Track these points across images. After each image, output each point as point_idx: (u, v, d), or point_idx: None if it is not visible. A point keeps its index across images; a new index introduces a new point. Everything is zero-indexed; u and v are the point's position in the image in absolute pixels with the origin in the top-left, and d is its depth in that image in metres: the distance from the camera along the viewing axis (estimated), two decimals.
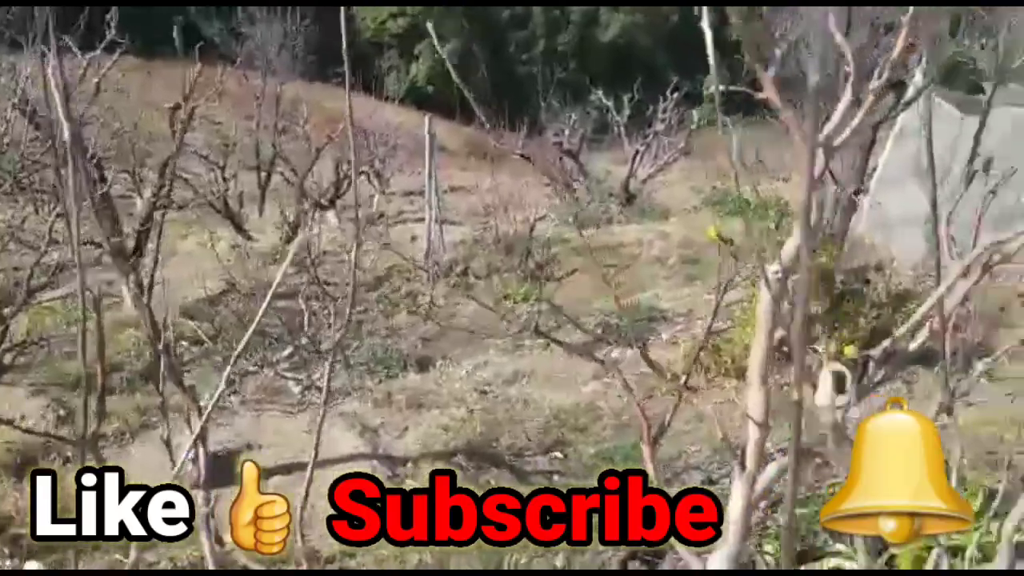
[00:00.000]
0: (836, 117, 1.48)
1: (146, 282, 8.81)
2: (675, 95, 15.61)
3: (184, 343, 7.95)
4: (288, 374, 6.22)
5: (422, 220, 12.50)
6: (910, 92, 10.57)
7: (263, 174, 15.33)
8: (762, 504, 5.06)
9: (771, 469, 1.60)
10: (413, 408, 6.86)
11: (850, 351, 5.70)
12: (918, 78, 10.88)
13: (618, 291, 10.77)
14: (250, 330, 1.85)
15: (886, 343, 1.56)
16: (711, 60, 1.59)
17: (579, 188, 16.09)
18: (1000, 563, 1.96)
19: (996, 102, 11.70)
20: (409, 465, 5.95)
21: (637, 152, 16.06)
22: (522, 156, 15.84)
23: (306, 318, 5.39)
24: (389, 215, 17.32)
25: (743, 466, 1.50)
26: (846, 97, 1.49)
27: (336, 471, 5.82)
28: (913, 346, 1.64)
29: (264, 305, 1.83)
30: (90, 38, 8.90)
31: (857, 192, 9.47)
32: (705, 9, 1.46)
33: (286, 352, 5.75)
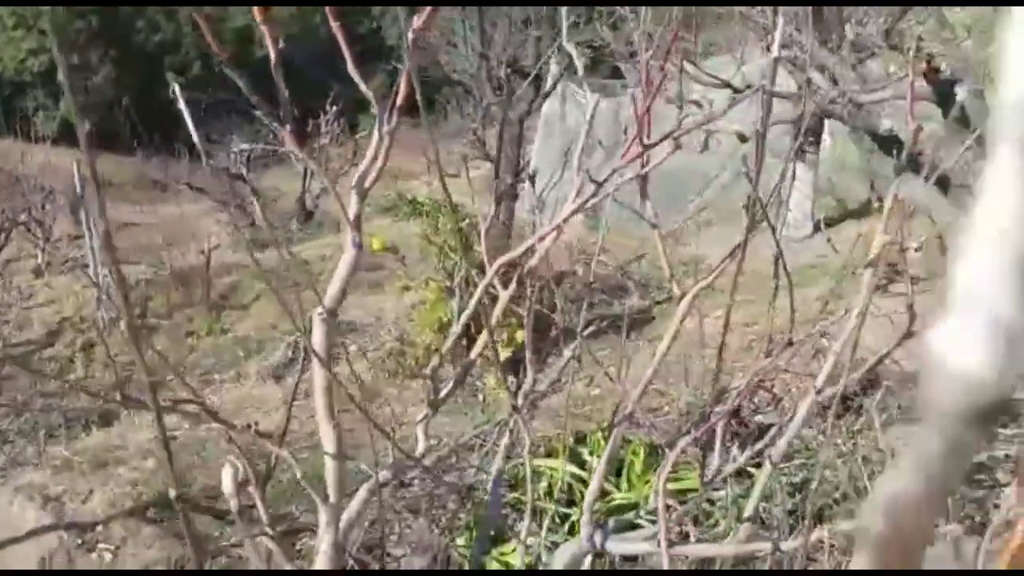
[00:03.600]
0: (365, 163, 1.61)
1: None
2: (334, 107, 15.69)
3: None
4: None
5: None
6: (548, 83, 11.26)
7: None
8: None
9: (361, 493, 1.71)
10: (98, 469, 6.55)
11: (520, 336, 6.01)
12: (554, 69, 11.63)
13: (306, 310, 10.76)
14: None
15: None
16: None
17: (254, 211, 15.83)
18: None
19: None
20: (100, 529, 5.69)
21: (306, 169, 16.01)
22: (188, 185, 15.37)
23: None
24: (57, 264, 16.29)
25: (325, 499, 1.60)
26: (374, 140, 1.61)
27: (20, 549, 5.48)
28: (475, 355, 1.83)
29: None
30: None
31: (514, 183, 9.99)
32: None
33: None
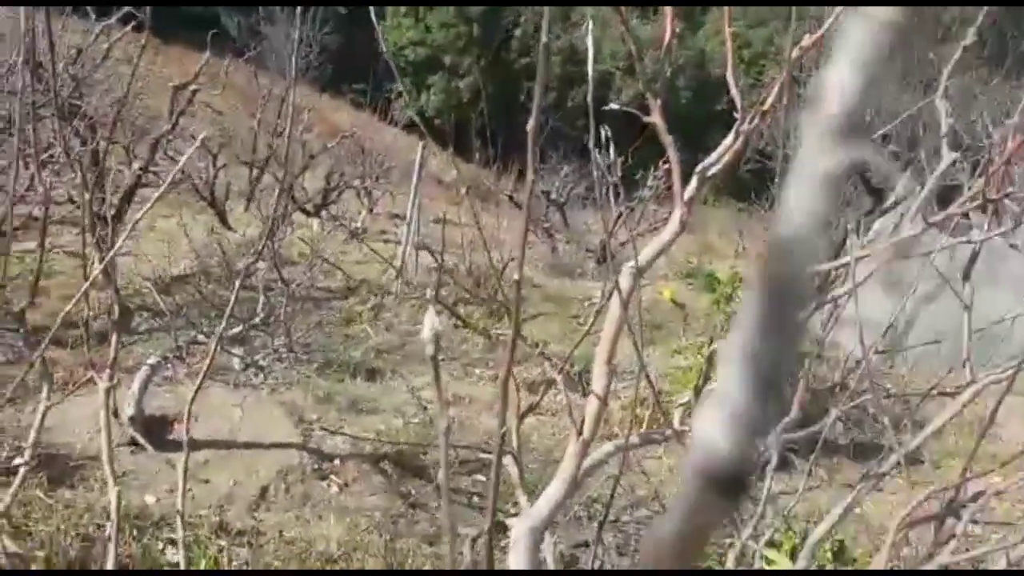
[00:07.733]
0: (715, 154, 1.74)
1: (117, 248, 8.99)
2: (666, 166, 15.96)
3: (145, 313, 8.15)
4: (233, 350, 6.38)
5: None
6: (889, 201, 10.96)
7: (255, 171, 15.52)
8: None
9: (608, 446, 1.82)
10: (352, 411, 7.03)
11: None
12: (899, 190, 11.29)
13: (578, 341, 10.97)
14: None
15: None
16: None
17: (560, 240, 16.39)
18: None
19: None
20: (336, 462, 6.09)
21: (620, 214, 16.34)
22: (511, 199, 16.15)
23: (260, 302, 5.57)
24: (372, 233, 17.54)
25: (579, 432, 1.73)
26: (729, 137, 1.74)
27: (266, 455, 5.97)
28: None
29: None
30: (108, 9, 9.12)
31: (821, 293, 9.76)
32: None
33: (236, 329, 5.89)
